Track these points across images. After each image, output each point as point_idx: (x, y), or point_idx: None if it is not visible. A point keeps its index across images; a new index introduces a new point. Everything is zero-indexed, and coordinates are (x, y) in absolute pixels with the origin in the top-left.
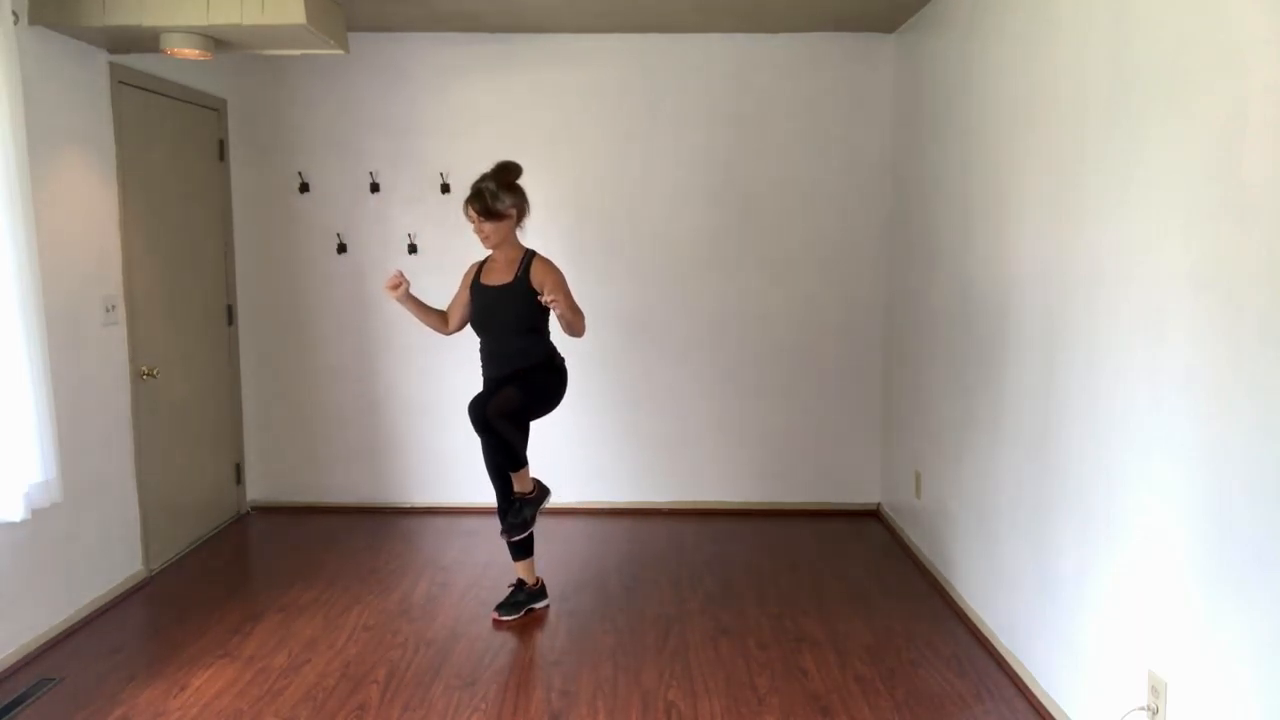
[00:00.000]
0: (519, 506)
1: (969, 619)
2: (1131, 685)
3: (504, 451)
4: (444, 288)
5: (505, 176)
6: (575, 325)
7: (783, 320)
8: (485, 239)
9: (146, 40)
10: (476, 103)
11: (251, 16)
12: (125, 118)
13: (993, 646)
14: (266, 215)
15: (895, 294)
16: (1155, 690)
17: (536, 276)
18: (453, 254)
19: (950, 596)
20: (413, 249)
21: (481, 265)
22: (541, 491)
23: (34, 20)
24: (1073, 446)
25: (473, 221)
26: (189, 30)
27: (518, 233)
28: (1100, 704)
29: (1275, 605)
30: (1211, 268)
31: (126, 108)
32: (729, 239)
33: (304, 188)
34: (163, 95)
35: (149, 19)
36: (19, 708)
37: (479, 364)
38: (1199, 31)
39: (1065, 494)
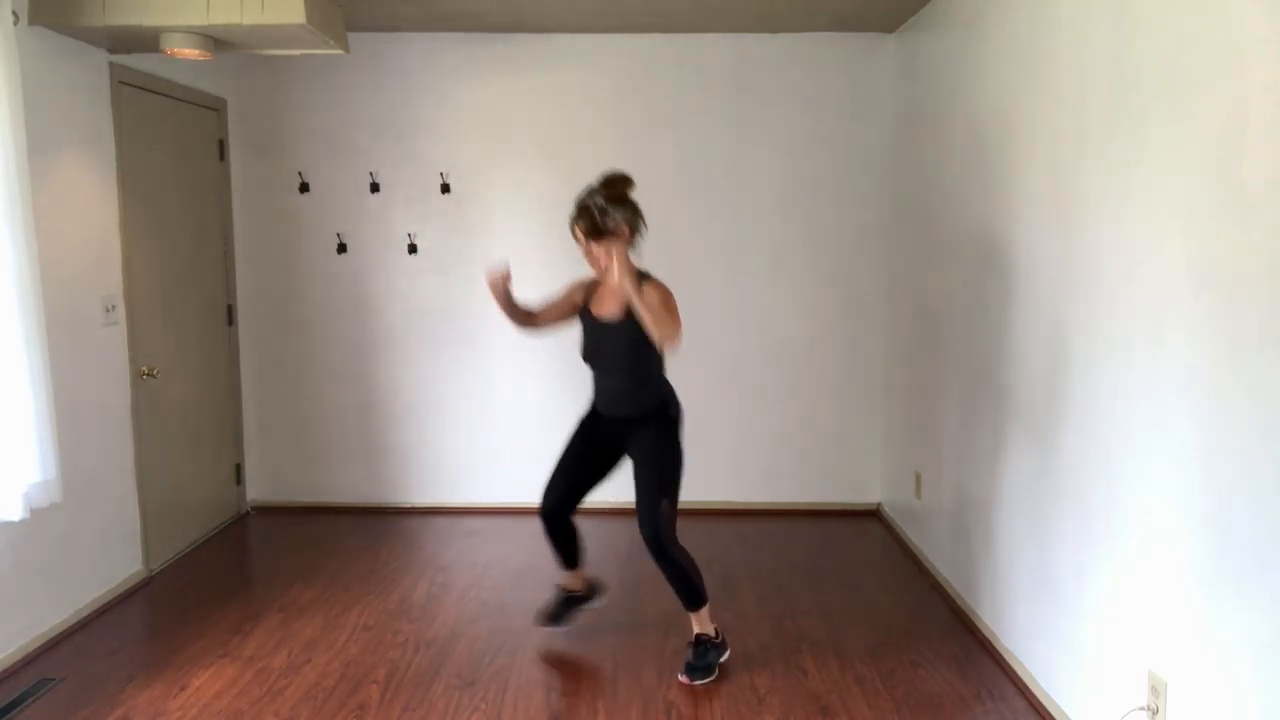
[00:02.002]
0: (704, 650)
1: (969, 619)
2: (1131, 685)
3: (681, 581)
4: (444, 288)
5: (613, 189)
6: (661, 331)
7: (783, 320)
8: (594, 262)
9: (146, 40)
10: (476, 103)
11: (251, 16)
12: (125, 118)
13: (993, 646)
14: (266, 215)
15: (895, 294)
16: (1155, 690)
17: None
18: (453, 254)
19: (950, 596)
20: (413, 249)
21: (591, 287)
22: (724, 640)
23: (34, 20)
24: (1072, 446)
25: (580, 244)
26: (189, 30)
27: (630, 255)
28: (1100, 704)
29: (1275, 605)
30: (1211, 268)
31: (126, 108)
32: (729, 239)
33: (304, 188)
34: (163, 95)
35: (149, 19)
36: (19, 708)
37: (480, 364)
38: (1199, 31)
39: (1065, 494)
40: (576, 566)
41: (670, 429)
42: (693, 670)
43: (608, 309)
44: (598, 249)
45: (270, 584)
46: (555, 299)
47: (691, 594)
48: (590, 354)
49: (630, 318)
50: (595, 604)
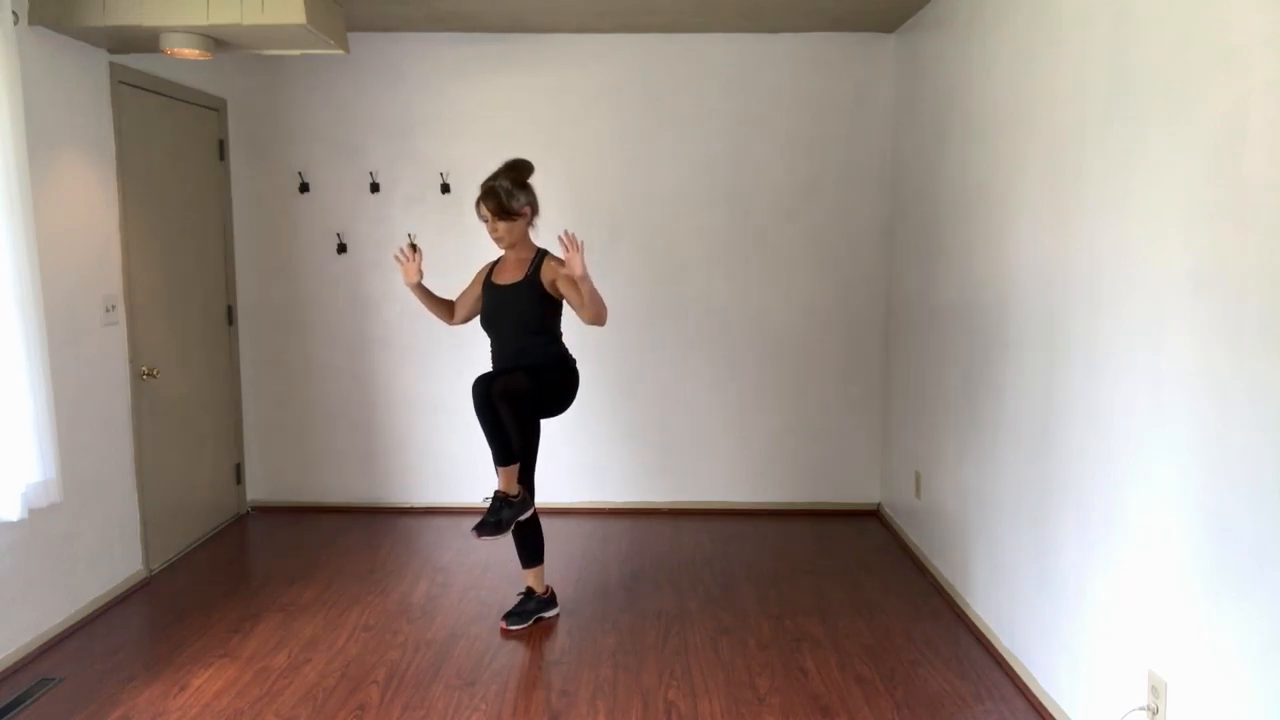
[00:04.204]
0: (497, 505)
1: (969, 619)
2: (1131, 685)
3: (498, 437)
4: (443, 289)
5: (518, 174)
6: (596, 311)
7: (783, 320)
8: (499, 239)
9: (146, 40)
10: (476, 103)
11: (251, 16)
12: (125, 118)
13: (993, 646)
14: (266, 215)
15: (895, 294)
16: (1155, 690)
17: (546, 274)
18: (453, 254)
19: (950, 596)
20: (413, 249)
21: (494, 265)
22: (525, 501)
23: (34, 20)
24: (1073, 446)
25: (486, 221)
26: (189, 30)
27: (530, 232)
28: (1100, 704)
29: (1275, 605)
30: (1211, 268)
31: (126, 108)
32: (729, 239)
33: (304, 188)
34: (163, 95)
35: (149, 19)
36: (19, 708)
37: (480, 365)
38: (1199, 31)
39: (1065, 494)
40: (534, 565)
41: (569, 375)
42: (483, 525)
43: (508, 276)
44: (504, 227)
45: (270, 584)
46: (467, 290)
47: (505, 447)
48: (490, 319)
49: (529, 280)
50: (549, 613)
